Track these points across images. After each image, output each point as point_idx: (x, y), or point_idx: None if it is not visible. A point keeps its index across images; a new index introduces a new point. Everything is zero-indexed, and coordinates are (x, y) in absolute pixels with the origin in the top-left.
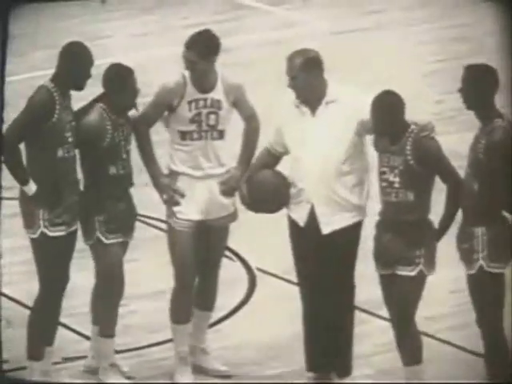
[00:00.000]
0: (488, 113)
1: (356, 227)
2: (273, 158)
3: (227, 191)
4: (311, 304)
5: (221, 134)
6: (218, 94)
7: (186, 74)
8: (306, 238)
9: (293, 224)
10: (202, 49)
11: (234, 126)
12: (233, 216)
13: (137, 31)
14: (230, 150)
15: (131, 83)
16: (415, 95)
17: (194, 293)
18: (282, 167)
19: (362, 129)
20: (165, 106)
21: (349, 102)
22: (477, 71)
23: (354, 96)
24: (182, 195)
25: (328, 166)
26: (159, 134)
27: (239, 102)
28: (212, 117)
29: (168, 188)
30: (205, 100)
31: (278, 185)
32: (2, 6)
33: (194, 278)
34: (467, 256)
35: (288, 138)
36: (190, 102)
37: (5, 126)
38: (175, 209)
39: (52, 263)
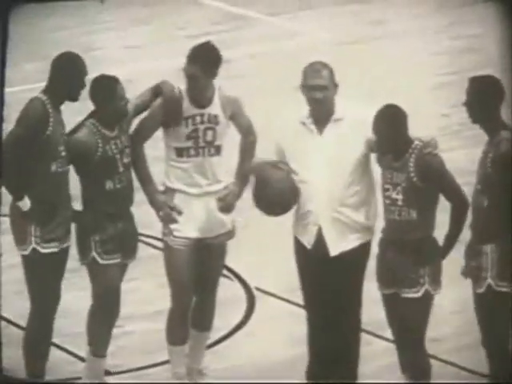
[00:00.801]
0: (494, 125)
1: (364, 247)
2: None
3: (225, 207)
4: (318, 325)
5: (218, 150)
6: (215, 108)
7: (182, 88)
8: (313, 260)
9: (299, 246)
10: (206, 63)
11: (229, 140)
12: (231, 233)
13: (131, 42)
14: (226, 164)
15: (118, 92)
16: (420, 109)
17: (191, 313)
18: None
19: (369, 147)
20: (159, 123)
21: (356, 120)
22: (481, 83)
23: (361, 113)
24: (179, 212)
25: (335, 188)
26: (154, 150)
27: (236, 116)
28: (209, 133)
29: (164, 205)
30: (202, 115)
31: (285, 189)
32: (2, 6)
33: (192, 298)
34: (475, 274)
35: (292, 157)
36: (186, 118)
37: (4, 125)
38: (172, 227)
39: (44, 281)
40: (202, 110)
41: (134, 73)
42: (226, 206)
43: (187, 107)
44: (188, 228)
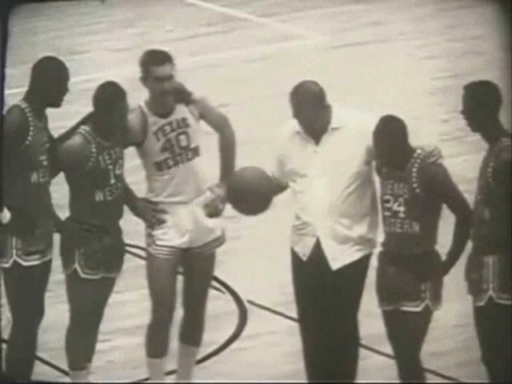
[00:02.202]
0: (494, 133)
1: (364, 260)
2: (277, 187)
3: (213, 213)
4: (314, 339)
5: (196, 152)
6: (180, 112)
7: (142, 104)
8: (309, 272)
9: (295, 257)
10: (172, 61)
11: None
12: (220, 240)
13: (117, 46)
14: (208, 168)
15: (123, 106)
16: (420, 114)
17: (179, 326)
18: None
19: (370, 156)
20: (132, 141)
21: (355, 129)
22: (477, 90)
23: (360, 121)
24: (164, 211)
25: (334, 198)
26: (131, 159)
27: (206, 114)
28: (182, 137)
29: (148, 210)
30: (170, 124)
31: (259, 185)
32: (2, 6)
33: (173, 311)
34: (476, 287)
35: (290, 168)
36: (155, 132)
37: None
38: (155, 235)
39: (25, 294)
40: (167, 118)
41: (118, 78)
42: (213, 210)
43: (153, 121)
44: (173, 236)
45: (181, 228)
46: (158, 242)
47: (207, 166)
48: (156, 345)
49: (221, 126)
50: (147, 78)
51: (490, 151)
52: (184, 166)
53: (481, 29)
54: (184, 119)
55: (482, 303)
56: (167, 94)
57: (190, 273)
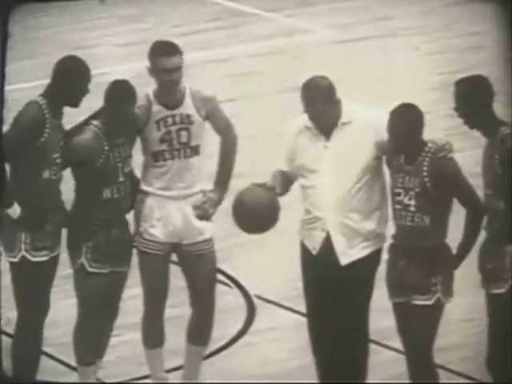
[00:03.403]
0: (492, 125)
1: (375, 254)
2: (288, 180)
3: (202, 215)
4: (322, 334)
5: (195, 151)
6: (186, 108)
7: (150, 92)
8: (318, 266)
9: (305, 251)
10: (181, 52)
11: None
12: (209, 242)
13: (123, 41)
14: (208, 168)
15: (133, 105)
16: (425, 109)
17: (187, 325)
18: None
19: (379, 150)
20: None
21: (365, 123)
22: (467, 85)
23: (369, 116)
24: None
25: (344, 193)
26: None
27: (212, 115)
28: (183, 133)
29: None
30: (173, 116)
31: (259, 206)
32: (2, 5)
33: (164, 303)
34: (494, 275)
35: (300, 163)
36: (157, 122)
37: (5, 128)
38: (141, 229)
39: (32, 289)
40: (172, 111)
41: (125, 72)
42: (204, 213)
43: (157, 110)
44: (160, 231)
45: (168, 223)
46: (146, 236)
47: (206, 167)
48: (151, 336)
49: (224, 130)
50: (155, 69)
51: (492, 144)
52: (180, 162)
53: (482, 25)
54: (189, 116)
55: (501, 290)
56: (175, 84)
57: (187, 272)
